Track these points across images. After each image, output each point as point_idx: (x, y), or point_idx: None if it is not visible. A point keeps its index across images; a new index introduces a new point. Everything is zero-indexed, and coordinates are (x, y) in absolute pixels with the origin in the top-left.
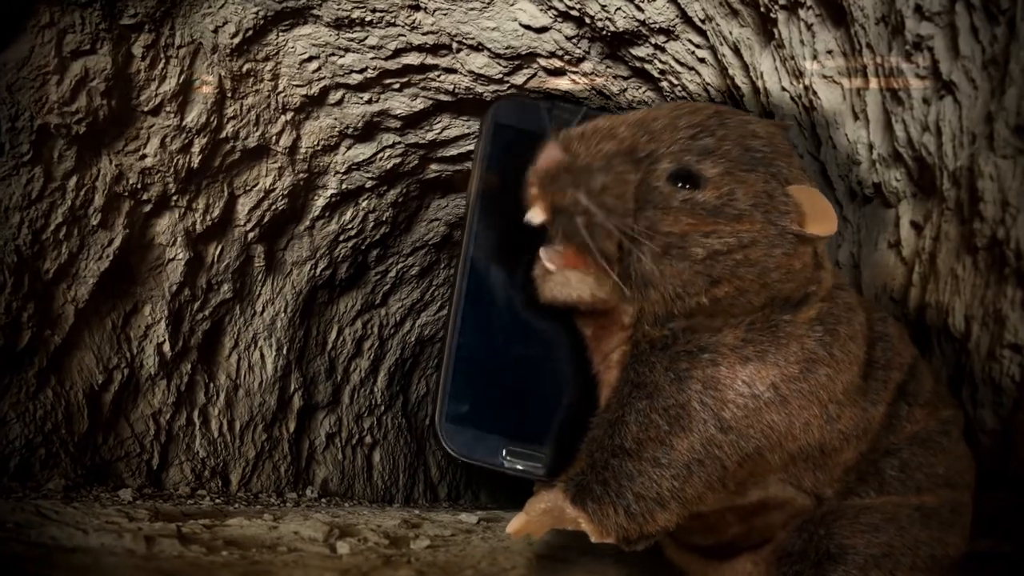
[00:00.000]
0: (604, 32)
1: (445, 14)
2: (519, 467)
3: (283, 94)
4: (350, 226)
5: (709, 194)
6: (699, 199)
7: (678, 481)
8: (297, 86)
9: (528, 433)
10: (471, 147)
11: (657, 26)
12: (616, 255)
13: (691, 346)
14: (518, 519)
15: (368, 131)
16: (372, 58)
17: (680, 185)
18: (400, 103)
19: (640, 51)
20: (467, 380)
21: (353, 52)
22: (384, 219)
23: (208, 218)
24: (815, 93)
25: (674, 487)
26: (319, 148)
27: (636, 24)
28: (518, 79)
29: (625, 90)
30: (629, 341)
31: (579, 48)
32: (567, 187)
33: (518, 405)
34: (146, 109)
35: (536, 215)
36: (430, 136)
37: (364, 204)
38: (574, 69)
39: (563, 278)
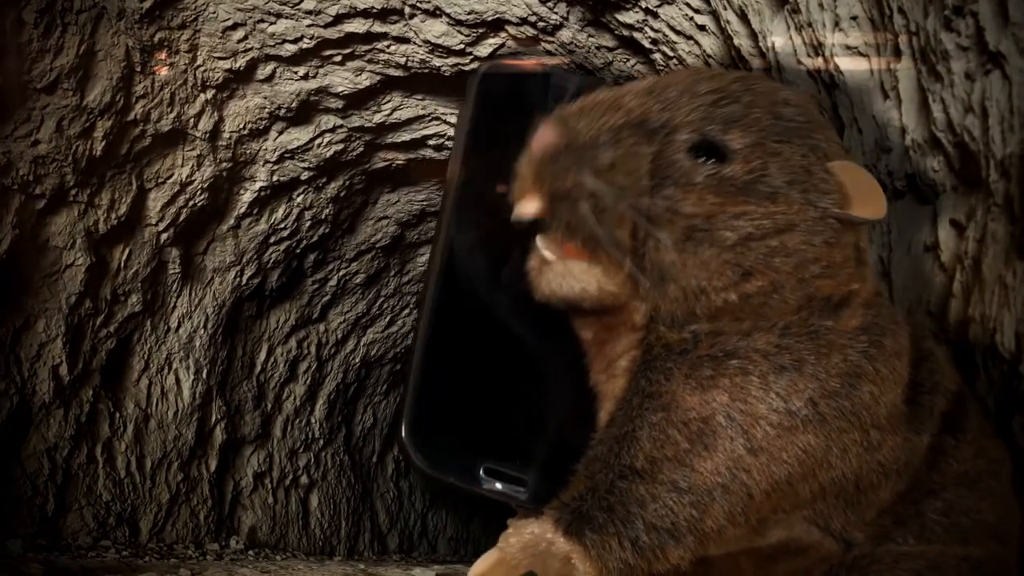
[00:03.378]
0: None
1: None
2: (498, 488)
3: (202, 68)
4: (282, 225)
5: (738, 168)
6: (726, 174)
7: (697, 510)
8: (219, 59)
9: (510, 450)
10: (426, 131)
11: None
12: (630, 243)
13: (716, 350)
14: (488, 557)
15: (304, 112)
16: (309, 25)
17: (703, 159)
18: (342, 79)
19: (628, 16)
20: (440, 384)
21: (286, 18)
22: (323, 217)
23: (113, 216)
24: (837, 67)
25: (692, 517)
26: (245, 132)
27: None
28: (482, 50)
29: (610, 63)
30: (640, 345)
31: (555, 13)
32: (568, 168)
33: (499, 416)
34: (39, 86)
35: (528, 207)
36: (378, 118)
37: (299, 199)
38: (549, 39)
39: (564, 269)
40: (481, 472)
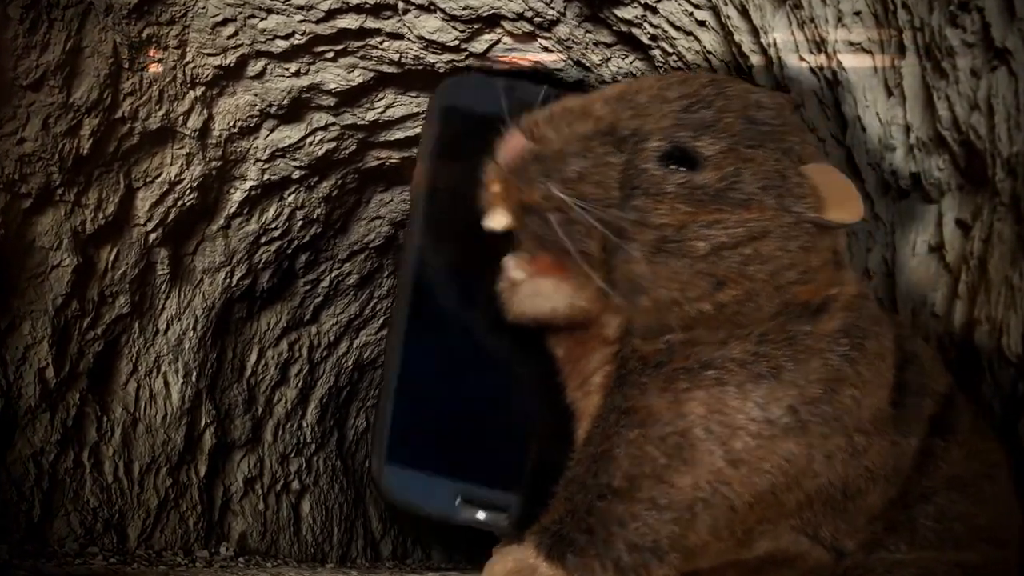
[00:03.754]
0: None
1: None
2: (478, 518)
3: (192, 65)
4: (273, 225)
5: (709, 176)
6: (698, 182)
7: (679, 526)
8: (209, 55)
9: (488, 477)
10: (420, 129)
11: None
12: (600, 256)
13: (691, 362)
14: None
15: (295, 110)
16: (300, 21)
17: (674, 167)
18: (334, 76)
19: (627, 12)
20: (412, 414)
21: (277, 13)
22: (315, 217)
23: (100, 215)
24: (840, 64)
25: (674, 534)
26: (236, 131)
27: None
28: (478, 46)
29: (608, 60)
30: (614, 359)
31: (552, 8)
32: (536, 180)
33: (475, 443)
34: (25, 83)
35: (497, 219)
36: (371, 116)
37: (291, 199)
38: (546, 34)
39: (533, 289)
40: (459, 501)
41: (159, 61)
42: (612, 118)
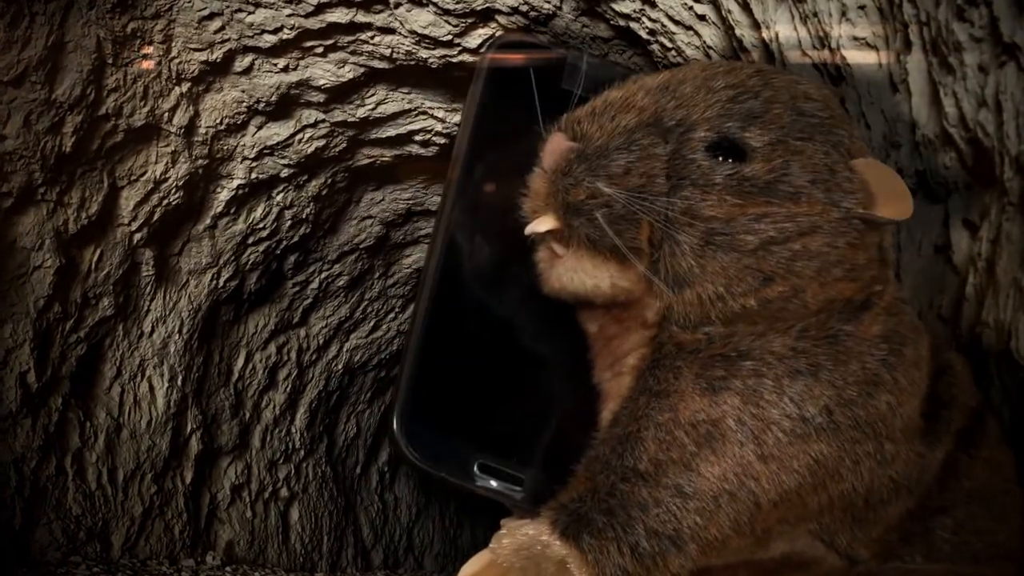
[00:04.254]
0: None
1: None
2: (493, 486)
3: (177, 60)
4: (261, 225)
5: (758, 168)
6: (747, 174)
7: (702, 517)
8: (195, 50)
9: (507, 447)
10: (412, 126)
11: None
12: (647, 249)
13: (729, 350)
14: (479, 558)
15: (284, 106)
16: (289, 15)
17: (722, 158)
18: (324, 71)
19: (624, 6)
20: (436, 373)
21: (265, 7)
22: (304, 217)
23: (84, 215)
24: (844, 60)
25: (696, 524)
26: (222, 128)
27: None
28: (471, 41)
29: (605, 55)
30: (650, 343)
31: (548, 2)
32: (582, 179)
33: (497, 411)
34: (6, 79)
35: (543, 224)
36: (361, 112)
37: (279, 198)
38: (542, 29)
39: (575, 264)
40: (476, 468)
41: (144, 56)
42: (656, 108)
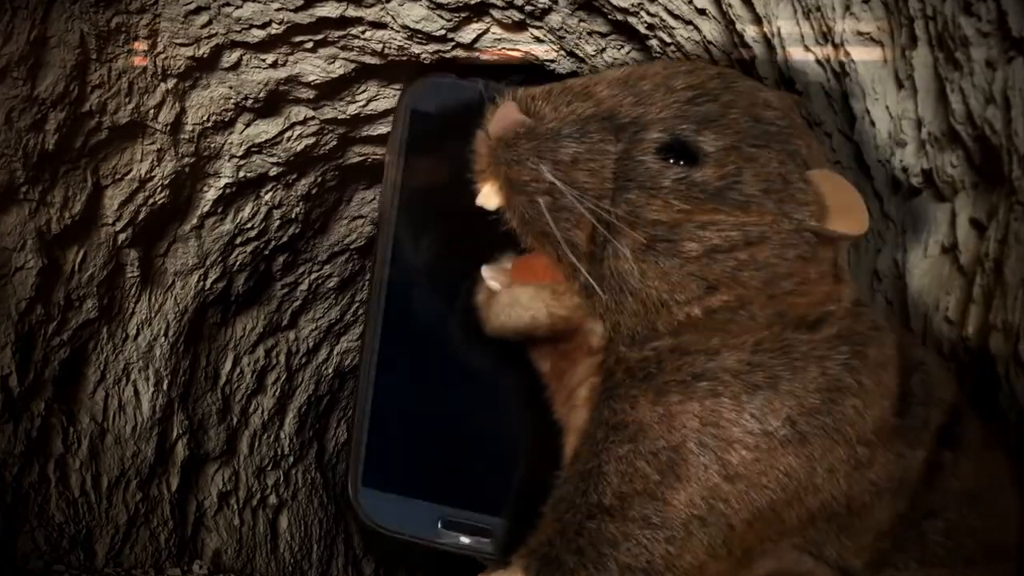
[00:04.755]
0: None
1: None
2: (462, 542)
3: (163, 56)
4: (249, 225)
5: (709, 173)
6: (696, 179)
7: (674, 546)
8: (181, 45)
9: (472, 498)
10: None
11: None
12: (587, 248)
13: (683, 374)
14: None
15: (273, 103)
16: (277, 9)
17: (673, 160)
18: (314, 67)
19: (623, 0)
20: (390, 431)
21: (253, 1)
22: (293, 216)
23: (67, 215)
24: (848, 55)
25: (668, 553)
26: (209, 125)
27: None
28: (465, 36)
29: (603, 50)
30: (599, 371)
31: None
32: (527, 157)
33: (457, 463)
34: None
35: (489, 198)
36: (352, 109)
37: (267, 197)
38: (537, 23)
39: (510, 298)
40: (440, 525)
41: (129, 52)
42: (613, 103)
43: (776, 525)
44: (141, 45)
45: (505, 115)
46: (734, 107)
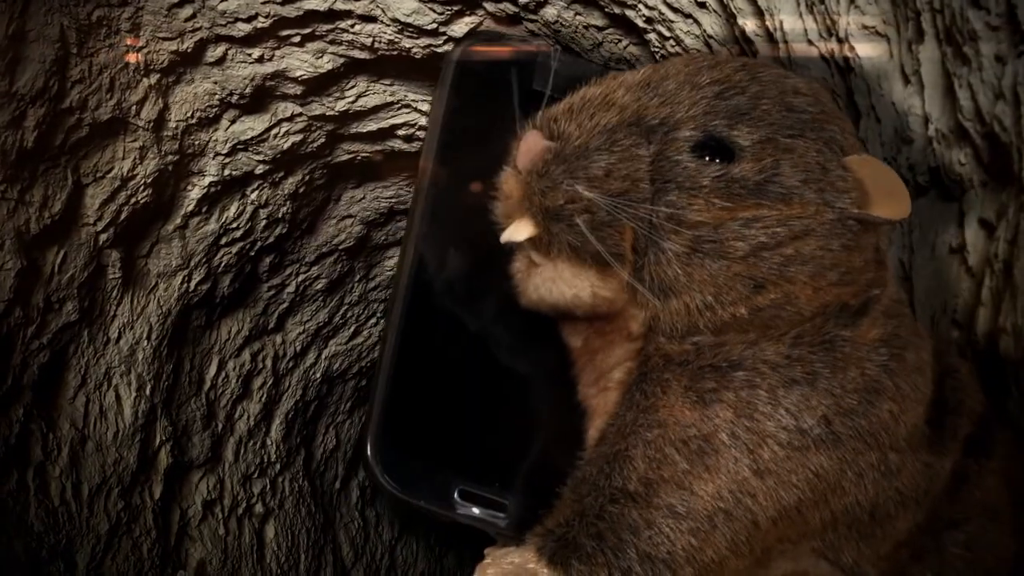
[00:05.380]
0: None
1: None
2: (475, 513)
3: (146, 50)
4: (235, 225)
5: (747, 168)
6: (735, 175)
7: (697, 538)
8: (164, 39)
9: (489, 471)
10: (395, 119)
11: None
12: (632, 256)
13: (720, 360)
14: None
15: (259, 99)
16: (264, 2)
17: (708, 158)
18: (301, 62)
19: None
20: (411, 396)
21: None
22: (280, 216)
23: (47, 214)
24: (853, 50)
25: (691, 546)
26: (194, 122)
27: None
28: (458, 29)
29: (600, 45)
30: (637, 356)
31: None
32: (560, 181)
33: (477, 433)
34: None
35: (519, 231)
36: (341, 106)
37: (253, 196)
38: (532, 16)
39: (554, 273)
40: (456, 495)
41: (110, 47)
42: (637, 107)
43: (799, 526)
44: (130, 40)
45: (531, 146)
46: (764, 98)
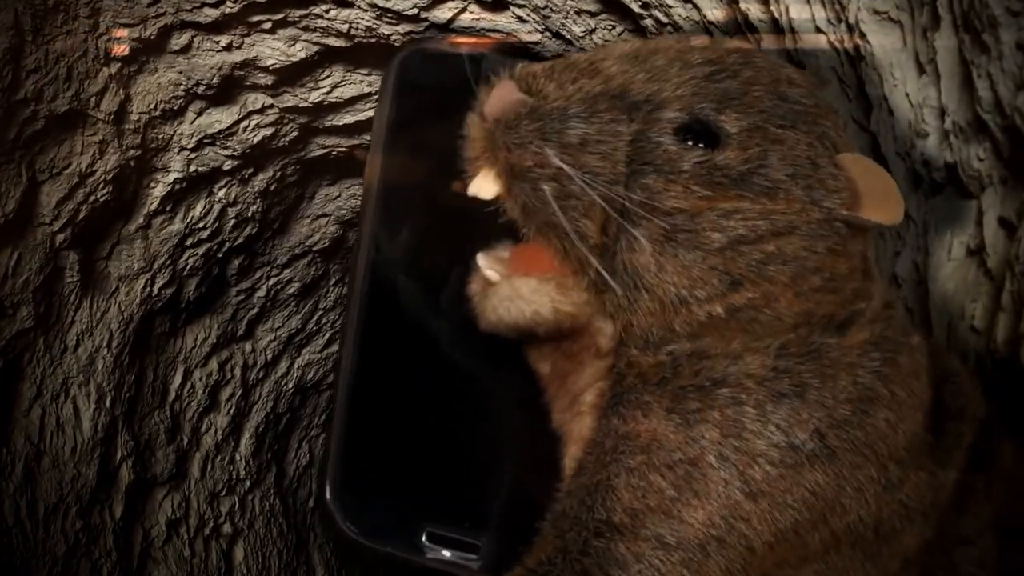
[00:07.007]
0: None
1: None
2: (446, 556)
3: (105, 37)
4: (201, 225)
5: (732, 156)
6: (718, 162)
7: (690, 569)
8: (126, 25)
9: (458, 510)
10: (373, 112)
11: None
12: (598, 240)
13: (701, 379)
14: None
15: (227, 89)
16: None
17: (692, 142)
18: (272, 50)
19: None
20: (371, 432)
21: None
22: (250, 215)
23: None
24: (864, 36)
25: None
26: (157, 114)
27: None
28: (440, 14)
29: (593, 31)
30: (609, 375)
31: None
32: (530, 140)
33: (443, 470)
34: None
35: (485, 187)
36: (315, 97)
37: (221, 194)
38: (519, 1)
39: (510, 290)
40: (424, 538)
41: (67, 33)
42: (623, 79)
43: (798, 549)
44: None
45: (503, 94)
46: (756, 84)
